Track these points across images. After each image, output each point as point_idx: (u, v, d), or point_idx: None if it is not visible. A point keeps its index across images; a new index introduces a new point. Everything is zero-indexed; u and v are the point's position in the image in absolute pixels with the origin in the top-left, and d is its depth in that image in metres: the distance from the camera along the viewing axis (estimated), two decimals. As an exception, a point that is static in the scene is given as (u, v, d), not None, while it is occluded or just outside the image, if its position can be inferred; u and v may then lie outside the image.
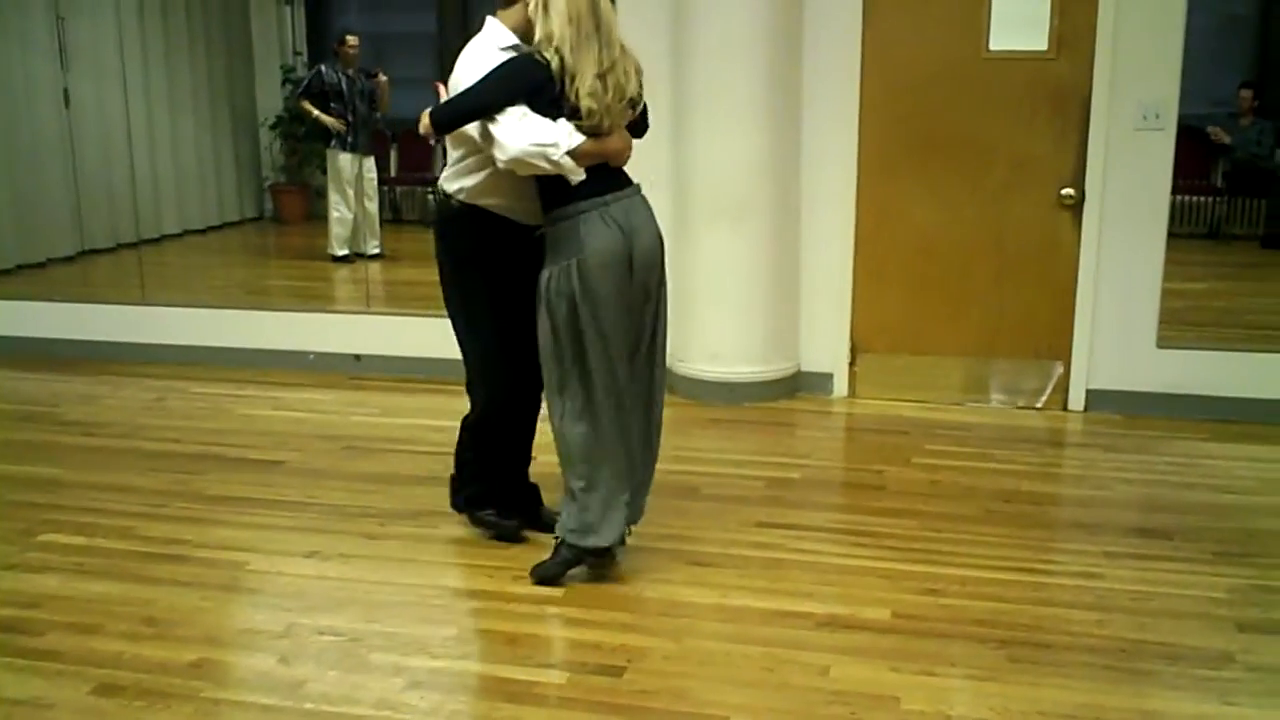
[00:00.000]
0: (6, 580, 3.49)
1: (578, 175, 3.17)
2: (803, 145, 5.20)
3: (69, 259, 7.34)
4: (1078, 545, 3.74)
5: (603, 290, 3.21)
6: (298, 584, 3.46)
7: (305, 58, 9.15)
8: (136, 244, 7.19)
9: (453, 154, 3.44)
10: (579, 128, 3.14)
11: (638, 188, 3.35)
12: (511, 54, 3.23)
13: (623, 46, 3.22)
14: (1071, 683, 2.87)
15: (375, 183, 7.88)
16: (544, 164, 3.12)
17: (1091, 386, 5.13)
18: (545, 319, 3.27)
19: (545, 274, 3.27)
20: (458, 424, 3.76)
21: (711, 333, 5.26)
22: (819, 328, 5.35)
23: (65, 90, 7.01)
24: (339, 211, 7.70)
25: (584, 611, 3.27)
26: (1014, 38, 4.98)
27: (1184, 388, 5.04)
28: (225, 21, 8.64)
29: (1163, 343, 5.05)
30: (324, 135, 7.79)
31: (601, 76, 3.14)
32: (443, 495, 4.10)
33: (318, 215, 8.15)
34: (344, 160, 7.70)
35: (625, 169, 3.34)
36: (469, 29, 3.51)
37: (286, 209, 9.15)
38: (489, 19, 3.37)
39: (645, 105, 3.39)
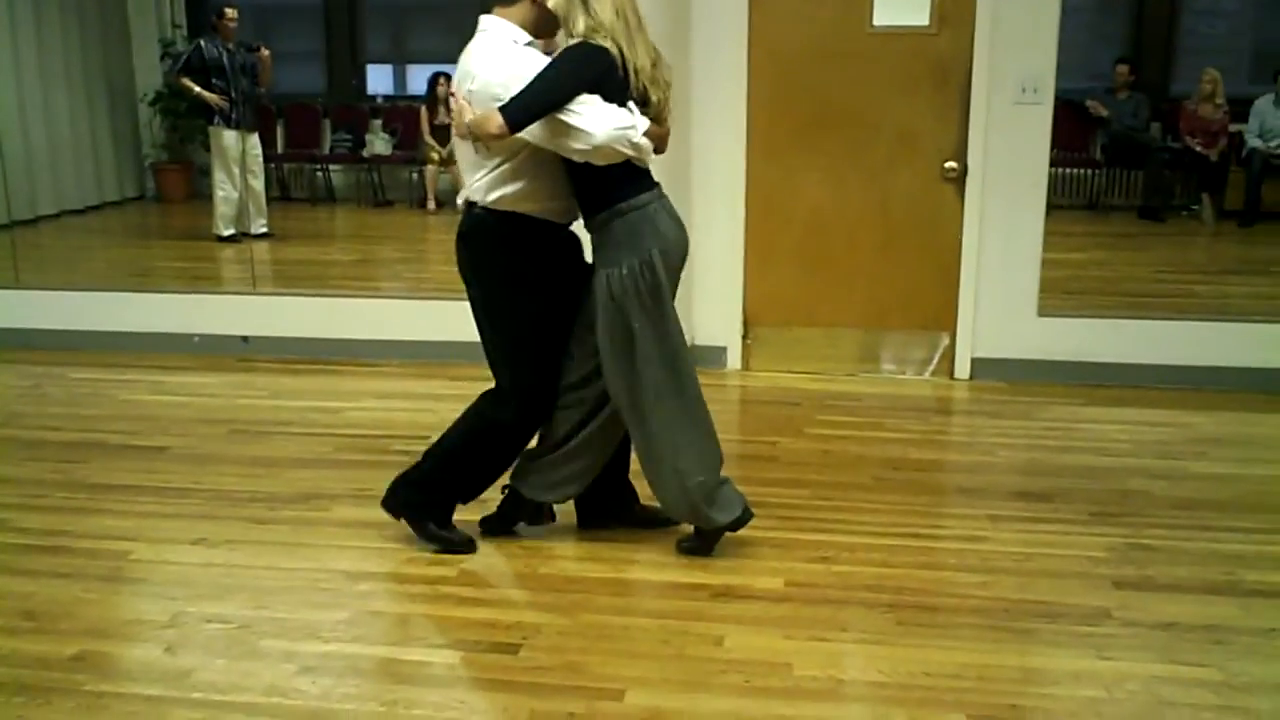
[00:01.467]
0: (-127, 577, 3.35)
1: (650, 159, 3.13)
2: (691, 121, 5.22)
3: (-64, 241, 7.05)
4: (963, 510, 3.85)
5: (674, 280, 3.22)
6: (184, 572, 3.38)
7: (185, 31, 8.89)
8: (9, 225, 6.92)
9: (482, 162, 3.17)
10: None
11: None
12: (538, 51, 3.13)
13: None
14: (957, 643, 2.95)
15: (261, 159, 7.69)
16: (626, 149, 3.03)
17: (976, 355, 5.26)
18: (615, 317, 3.19)
19: (606, 274, 3.18)
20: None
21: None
22: (712, 302, 5.38)
23: (-72, 65, 6.72)
24: (224, 190, 7.49)
25: (477, 590, 3.26)
26: (897, 13, 5.06)
27: (1064, 354, 5.20)
28: (99, -9, 8.34)
29: (1044, 311, 5.20)
30: (206, 112, 7.56)
31: (655, 65, 3.14)
32: (330, 478, 4.07)
33: (202, 194, 7.93)
34: (228, 137, 7.50)
35: None
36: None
37: (169, 188, 8.89)
38: (489, 18, 3.19)
39: None
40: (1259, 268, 7.75)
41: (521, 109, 2.96)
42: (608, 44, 3.05)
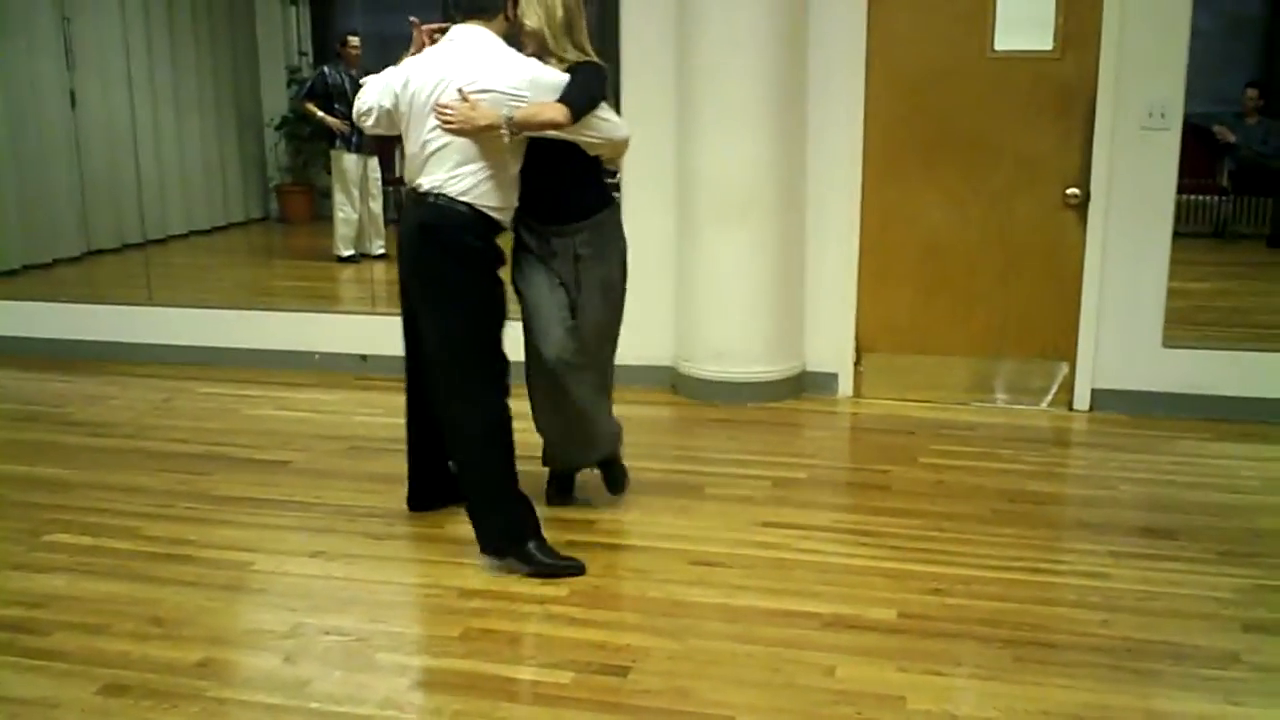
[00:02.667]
0: (13, 580, 3.50)
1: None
2: (808, 145, 5.20)
3: (75, 259, 7.36)
4: (1083, 545, 3.74)
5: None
6: (303, 584, 3.47)
7: (310, 58, 9.16)
8: (142, 244, 7.21)
9: (464, 161, 3.39)
10: None
11: None
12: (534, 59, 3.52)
13: None
14: (1076, 682, 2.87)
15: (379, 183, 7.88)
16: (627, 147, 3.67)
17: (1097, 386, 5.12)
18: (618, 306, 3.80)
19: (617, 258, 3.76)
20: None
21: (716, 333, 5.26)
22: (824, 327, 5.35)
23: (71, 91, 7.04)
24: (344, 212, 7.71)
25: (588, 611, 3.27)
26: (1019, 37, 4.98)
27: (1189, 387, 5.03)
28: (230, 22, 8.65)
29: (1168, 342, 5.05)
30: (328, 136, 7.80)
31: None
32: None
33: (323, 216, 8.17)
34: (348, 161, 7.71)
35: None
36: None
37: (291, 209, 9.16)
38: (469, 28, 3.46)
39: None
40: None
41: (581, 104, 3.41)
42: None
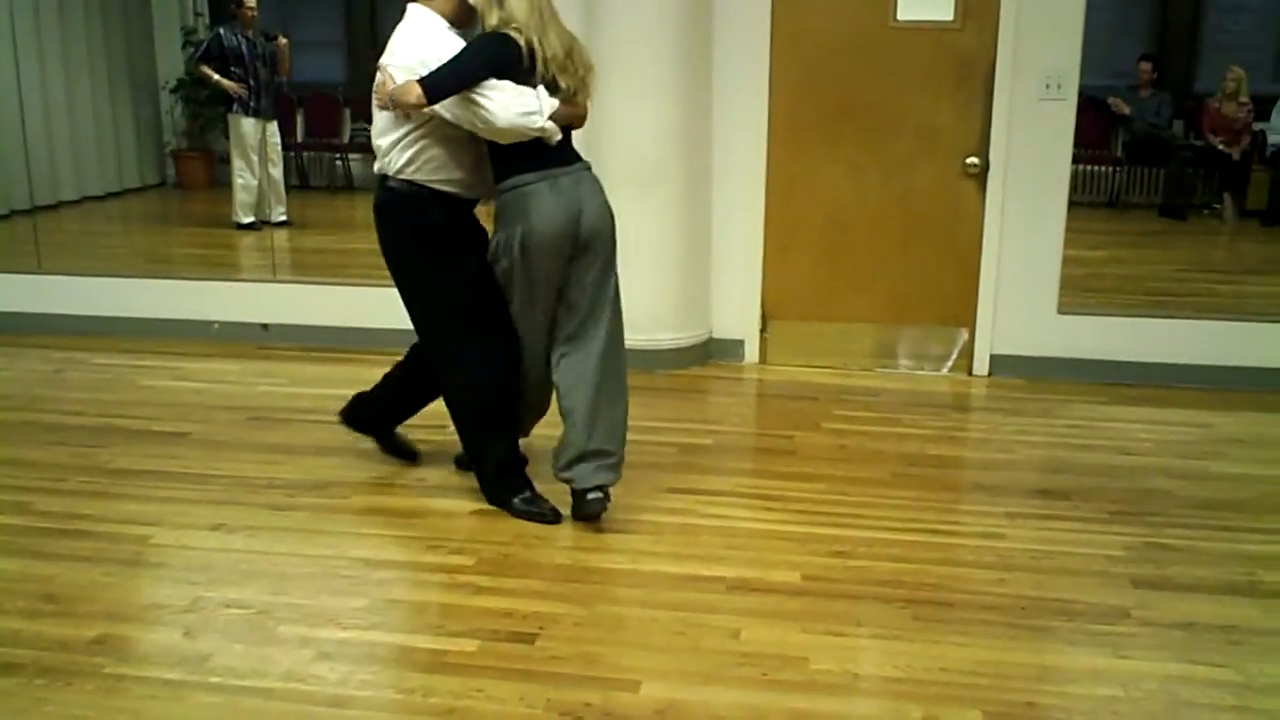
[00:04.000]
0: (-104, 558, 3.37)
1: (556, 137, 3.39)
2: (713, 113, 5.21)
3: (-41, 227, 7.09)
4: (981, 506, 3.84)
5: (538, 259, 3.43)
6: (203, 557, 3.40)
7: (207, 19, 8.91)
8: (31, 210, 6.95)
9: (391, 132, 3.46)
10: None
11: (587, 165, 3.55)
12: (451, 33, 3.44)
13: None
14: (973, 640, 2.95)
15: (279, 148, 7.70)
16: (530, 130, 3.31)
17: (995, 352, 5.24)
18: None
19: (493, 241, 3.50)
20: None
21: (625, 300, 5.25)
22: (730, 295, 5.38)
23: (-48, 51, 6.75)
24: (243, 178, 7.52)
25: (495, 580, 3.26)
26: (921, 8, 5.03)
27: (1084, 352, 5.18)
28: (122, -20, 8.37)
29: (1064, 309, 5.18)
30: (226, 100, 7.59)
31: (569, 55, 3.40)
32: (350, 465, 4.08)
33: (221, 181, 7.95)
34: (247, 125, 7.52)
35: (575, 147, 3.56)
36: None
37: (189, 175, 8.92)
38: (415, 6, 3.50)
39: None
40: (1281, 267, 7.71)
41: (438, 83, 3.28)
42: (517, 35, 3.31)
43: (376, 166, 3.57)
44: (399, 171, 3.48)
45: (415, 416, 4.01)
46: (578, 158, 3.53)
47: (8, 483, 3.95)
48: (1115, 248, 7.46)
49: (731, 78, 5.17)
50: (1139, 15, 9.83)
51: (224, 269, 7.03)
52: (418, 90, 3.26)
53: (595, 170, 3.59)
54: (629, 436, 3.65)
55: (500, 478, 3.70)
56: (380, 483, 3.94)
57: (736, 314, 5.40)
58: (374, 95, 3.49)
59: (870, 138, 5.17)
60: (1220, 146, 8.76)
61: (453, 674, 2.77)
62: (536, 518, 3.62)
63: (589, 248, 3.49)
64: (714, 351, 5.44)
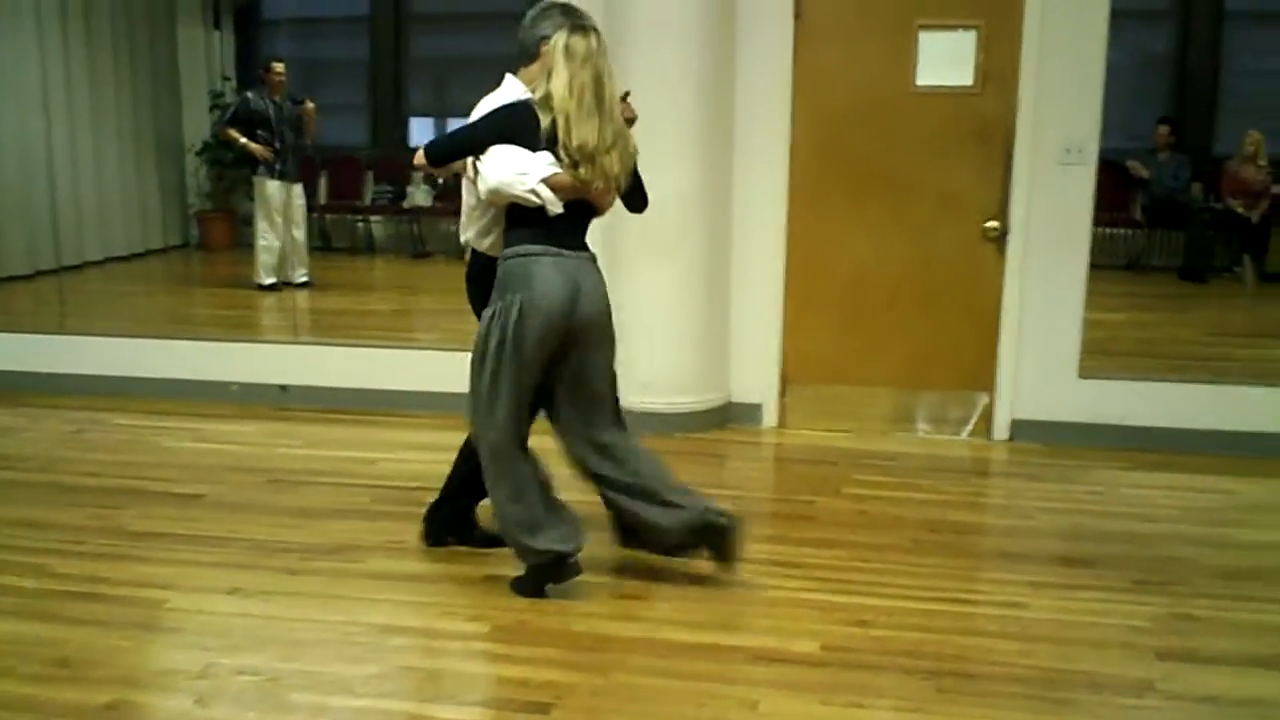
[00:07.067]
0: (-89, 621, 3.37)
1: (556, 207, 3.31)
2: (734, 178, 5.24)
3: (-14, 286, 7.17)
4: (1003, 575, 3.78)
5: (532, 331, 3.32)
6: (217, 622, 3.38)
7: (234, 83, 9.05)
8: (57, 271, 7.03)
9: (475, 209, 3.55)
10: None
11: (593, 256, 3.50)
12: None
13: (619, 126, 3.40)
14: (997, 713, 2.89)
15: (304, 210, 7.79)
16: (519, 191, 3.27)
17: (1016, 416, 5.21)
18: (479, 354, 3.41)
19: (489, 311, 3.39)
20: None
21: (643, 364, 5.25)
22: (749, 359, 5.37)
23: (-14, 112, 6.88)
24: (266, 239, 7.60)
25: (510, 647, 3.23)
26: (941, 73, 5.07)
27: (1105, 417, 5.13)
28: (151, 45, 8.51)
29: (1084, 373, 5.15)
30: (251, 162, 7.69)
31: (606, 151, 3.33)
32: (365, 529, 4.07)
33: (244, 243, 8.04)
34: (271, 187, 7.61)
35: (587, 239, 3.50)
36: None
37: (212, 236, 9.03)
38: (507, 75, 3.57)
39: (640, 180, 3.57)
40: (1303, 331, 7.65)
41: (438, 146, 3.37)
42: (540, 109, 3.31)
43: (463, 239, 3.66)
44: (480, 248, 3.58)
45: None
46: (585, 247, 3.47)
47: (27, 545, 3.95)
48: (1135, 311, 7.43)
49: (752, 142, 5.20)
50: (1157, 79, 9.87)
51: (245, 330, 7.08)
52: (420, 154, 3.36)
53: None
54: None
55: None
56: (396, 547, 3.92)
57: (755, 377, 5.39)
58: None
59: (891, 202, 5.18)
60: (1239, 209, 8.75)
61: (467, 745, 2.74)
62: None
63: (587, 333, 3.41)
64: (732, 415, 5.42)
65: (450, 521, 3.90)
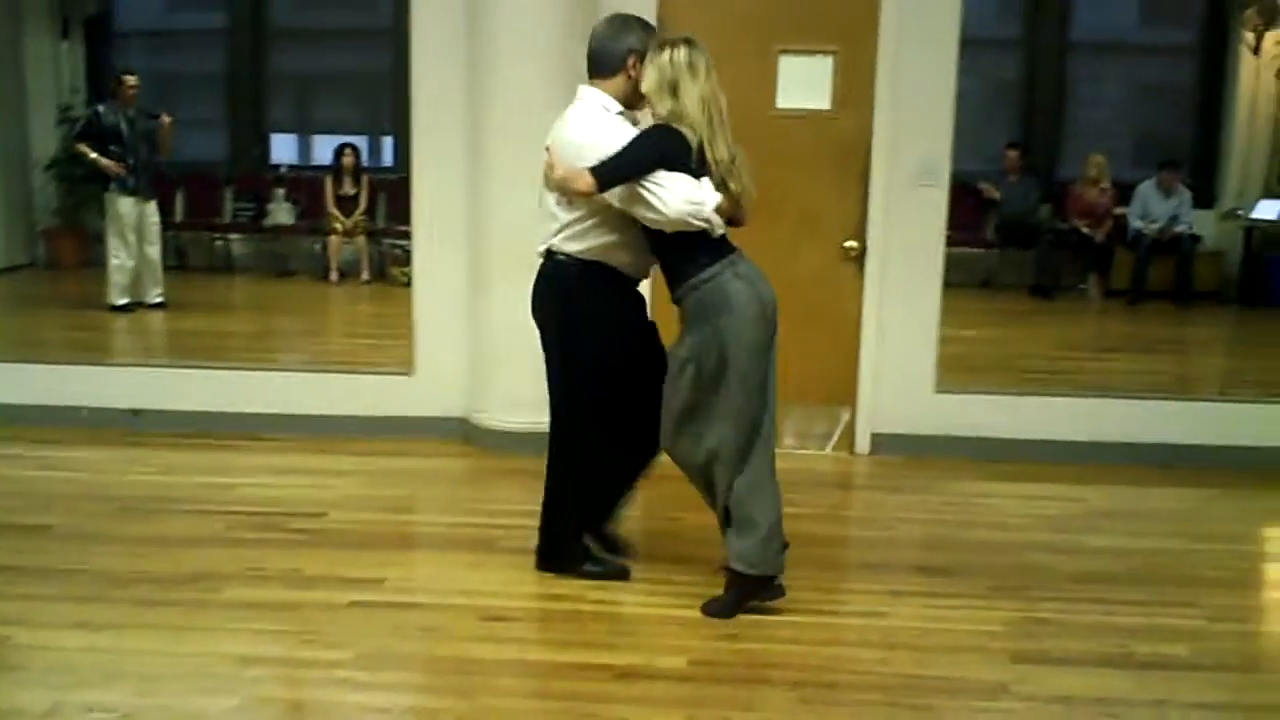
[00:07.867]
0: None
1: (720, 230, 3.43)
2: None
3: None
4: (865, 585, 3.87)
5: (751, 339, 3.45)
6: (65, 658, 3.23)
7: (84, 96, 8.75)
8: (-111, 292, 6.69)
9: (568, 215, 3.53)
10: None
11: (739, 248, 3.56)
12: (626, 120, 3.52)
13: None
14: (858, 722, 2.95)
15: (158, 228, 7.57)
16: (696, 221, 3.35)
17: (876, 430, 5.33)
18: (690, 378, 3.47)
19: (689, 340, 3.46)
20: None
21: (511, 382, 5.22)
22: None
23: None
24: (118, 258, 7.36)
25: (373, 674, 3.16)
26: (799, 96, 5.17)
27: (961, 430, 5.29)
28: (-6, 56, 8.19)
29: (941, 387, 5.30)
30: (103, 178, 7.44)
31: (734, 160, 3.42)
32: (222, 557, 3.94)
33: (95, 262, 7.76)
34: (124, 204, 7.38)
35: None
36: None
37: (61, 254, 8.70)
38: (585, 88, 3.59)
39: None
40: (1145, 345, 8.04)
41: (609, 172, 3.35)
42: (689, 133, 3.36)
43: (541, 245, 3.64)
44: (575, 252, 3.56)
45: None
46: (731, 242, 3.54)
47: None
48: (988, 327, 7.70)
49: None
50: (1006, 105, 10.28)
51: (95, 352, 6.81)
52: (588, 179, 3.32)
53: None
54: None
55: (572, 541, 3.79)
56: (254, 575, 3.81)
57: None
58: (543, 176, 3.56)
59: (754, 221, 5.24)
60: (1085, 230, 9.16)
61: (328, 775, 2.67)
62: (610, 575, 3.78)
63: (773, 325, 3.54)
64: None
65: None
